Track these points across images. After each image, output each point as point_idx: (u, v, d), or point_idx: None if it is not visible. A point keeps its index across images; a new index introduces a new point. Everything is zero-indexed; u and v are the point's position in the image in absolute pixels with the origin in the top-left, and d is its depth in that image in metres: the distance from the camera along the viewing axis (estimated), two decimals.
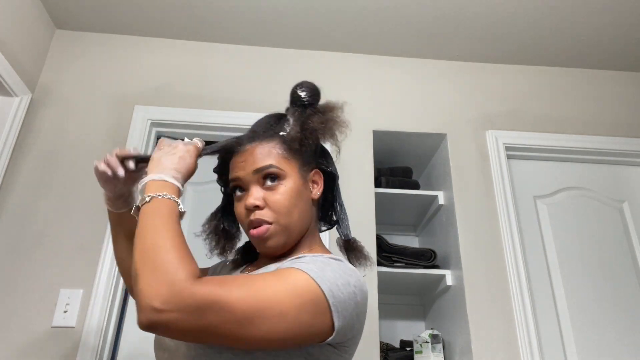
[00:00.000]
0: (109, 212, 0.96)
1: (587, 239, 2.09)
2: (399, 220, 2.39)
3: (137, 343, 1.77)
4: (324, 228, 0.95)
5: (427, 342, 1.88)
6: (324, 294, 0.67)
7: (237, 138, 0.88)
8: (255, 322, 0.63)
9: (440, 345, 1.89)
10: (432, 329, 2.00)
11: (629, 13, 2.06)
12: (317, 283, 0.68)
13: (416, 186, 2.24)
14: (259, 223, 0.80)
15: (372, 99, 2.23)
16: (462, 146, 2.16)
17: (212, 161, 2.39)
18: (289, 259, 0.79)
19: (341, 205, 0.94)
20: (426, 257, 2.04)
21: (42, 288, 1.71)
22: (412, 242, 2.45)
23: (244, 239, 0.95)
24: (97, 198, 1.87)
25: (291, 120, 0.86)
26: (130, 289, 0.98)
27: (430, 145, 2.26)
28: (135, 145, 1.98)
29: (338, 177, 0.94)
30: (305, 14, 2.11)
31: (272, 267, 0.79)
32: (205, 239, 0.94)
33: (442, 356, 1.87)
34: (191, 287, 0.61)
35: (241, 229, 0.91)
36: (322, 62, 2.30)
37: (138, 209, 0.74)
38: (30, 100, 2.00)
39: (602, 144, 2.21)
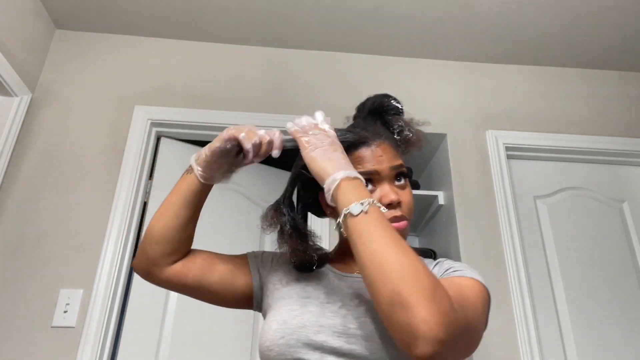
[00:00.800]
0: (191, 182, 0.84)
1: (587, 239, 2.09)
2: None
3: (137, 343, 1.77)
4: None
5: None
6: (489, 297, 0.76)
7: (356, 131, 0.84)
8: (475, 339, 0.70)
9: None
10: None
11: (629, 13, 2.06)
12: (486, 288, 0.76)
13: (416, 186, 2.24)
14: (401, 218, 0.80)
15: None
16: (462, 146, 2.16)
17: None
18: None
19: None
20: (426, 257, 2.04)
21: (42, 288, 1.71)
22: (412, 242, 2.45)
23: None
24: (97, 198, 1.87)
25: (400, 125, 0.89)
26: (151, 260, 0.85)
27: (430, 145, 2.26)
28: (135, 145, 1.98)
29: None
30: (306, 14, 2.11)
31: None
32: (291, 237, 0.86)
33: None
34: (457, 314, 0.60)
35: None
36: (322, 62, 2.30)
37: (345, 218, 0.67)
38: (30, 100, 2.00)
39: (602, 144, 2.21)
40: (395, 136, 0.88)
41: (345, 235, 0.68)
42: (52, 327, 1.66)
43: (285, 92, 2.19)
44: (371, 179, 0.81)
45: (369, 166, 0.81)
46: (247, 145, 0.75)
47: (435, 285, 0.59)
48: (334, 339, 0.73)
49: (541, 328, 1.90)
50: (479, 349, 1.86)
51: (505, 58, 2.35)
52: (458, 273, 0.76)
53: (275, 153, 0.78)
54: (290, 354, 0.74)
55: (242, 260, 0.93)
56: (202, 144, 2.30)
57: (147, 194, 1.99)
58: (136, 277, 1.84)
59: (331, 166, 0.72)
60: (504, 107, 2.27)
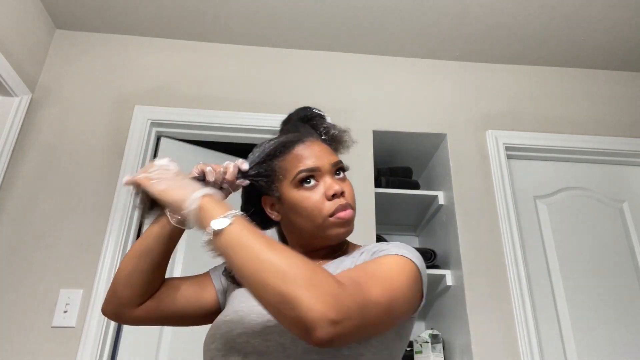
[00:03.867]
0: (163, 226, 0.83)
1: (587, 239, 2.09)
2: (399, 220, 2.39)
3: (136, 343, 1.77)
4: None
5: (427, 342, 1.88)
6: (417, 268, 0.75)
7: (289, 135, 0.90)
8: (393, 309, 0.68)
9: (440, 345, 1.89)
10: (432, 329, 2.00)
11: (629, 13, 2.06)
12: (411, 260, 0.75)
13: (416, 186, 2.24)
14: (346, 206, 0.83)
15: (372, 99, 2.23)
16: (462, 146, 2.16)
17: (212, 160, 2.37)
18: (351, 255, 0.86)
19: None
20: (426, 257, 2.04)
21: (42, 288, 1.71)
22: (412, 242, 2.45)
23: None
24: (97, 198, 1.87)
25: (325, 127, 0.93)
26: (122, 301, 0.85)
27: (430, 145, 2.26)
28: (135, 145, 1.98)
29: None
30: (305, 14, 2.11)
31: (347, 262, 0.84)
32: None
33: (442, 356, 1.87)
34: (345, 291, 0.60)
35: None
36: (323, 62, 2.30)
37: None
38: (30, 100, 2.00)
39: (602, 144, 2.21)
40: (322, 137, 0.91)
41: (216, 253, 0.66)
42: (52, 327, 1.66)
43: (285, 92, 2.19)
44: (313, 175, 0.84)
45: (310, 163, 0.84)
46: (210, 178, 0.82)
47: (312, 271, 0.60)
48: (253, 338, 0.74)
49: (541, 328, 1.90)
50: (479, 349, 1.85)
51: (505, 58, 2.35)
52: (382, 253, 0.76)
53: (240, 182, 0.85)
54: (218, 358, 0.76)
55: (205, 277, 0.94)
56: (202, 144, 2.32)
57: None
58: None
59: (185, 191, 0.71)
60: (504, 107, 2.27)
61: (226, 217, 0.65)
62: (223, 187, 0.86)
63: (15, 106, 1.92)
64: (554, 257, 2.05)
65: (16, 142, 1.91)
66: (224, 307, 0.90)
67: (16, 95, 1.92)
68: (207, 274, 0.96)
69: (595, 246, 2.08)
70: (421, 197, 2.16)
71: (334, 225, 0.83)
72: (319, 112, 0.96)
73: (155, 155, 2.06)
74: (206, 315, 0.91)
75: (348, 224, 0.84)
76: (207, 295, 0.91)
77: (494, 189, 2.06)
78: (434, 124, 2.20)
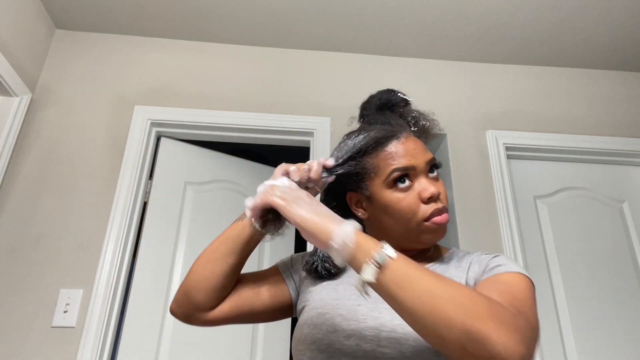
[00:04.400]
0: (243, 229, 0.81)
1: (587, 239, 2.09)
2: None
3: (137, 343, 1.77)
4: None
5: None
6: (534, 286, 0.72)
7: (380, 127, 0.83)
8: (538, 332, 0.64)
9: None
10: None
11: (629, 13, 2.06)
12: (530, 279, 0.72)
13: None
14: (443, 210, 0.78)
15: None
16: (462, 146, 2.16)
17: (212, 160, 2.37)
18: (447, 262, 0.83)
19: None
20: None
21: (42, 288, 1.71)
22: None
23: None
24: (97, 198, 1.87)
25: (414, 116, 0.87)
26: (196, 306, 0.82)
27: (430, 146, 2.26)
28: (135, 145, 1.98)
29: None
30: (305, 14, 2.11)
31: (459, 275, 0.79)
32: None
33: None
34: (525, 323, 0.58)
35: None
36: (322, 62, 2.30)
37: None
38: (30, 100, 2.00)
39: (602, 144, 2.21)
40: (412, 128, 0.86)
41: (376, 292, 0.61)
42: (52, 327, 1.66)
43: (285, 92, 2.19)
44: (407, 174, 0.79)
45: (405, 161, 0.79)
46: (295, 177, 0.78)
47: (491, 303, 0.56)
48: (366, 342, 0.71)
49: (541, 328, 1.90)
50: None
51: (505, 58, 2.35)
52: (502, 269, 0.72)
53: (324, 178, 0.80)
54: (321, 359, 0.73)
55: (276, 275, 0.92)
56: (202, 144, 2.32)
57: (147, 194, 1.99)
58: (136, 277, 1.84)
59: (331, 223, 0.65)
60: (504, 107, 2.27)
61: (384, 247, 0.60)
62: (308, 186, 0.80)
63: (15, 106, 1.92)
64: (554, 257, 2.05)
65: (16, 142, 1.91)
66: (297, 302, 0.89)
67: (16, 95, 1.92)
68: (276, 270, 0.93)
69: (595, 246, 2.08)
70: None
71: (429, 230, 0.78)
72: (404, 96, 0.89)
73: (155, 155, 2.06)
74: (280, 312, 0.90)
75: (444, 229, 0.79)
76: (281, 293, 0.89)
77: (494, 188, 2.06)
78: None
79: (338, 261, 0.64)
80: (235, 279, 0.84)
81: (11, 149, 1.88)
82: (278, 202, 0.72)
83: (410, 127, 0.85)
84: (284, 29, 2.19)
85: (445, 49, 2.30)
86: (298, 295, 0.90)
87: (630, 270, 2.05)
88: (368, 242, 0.62)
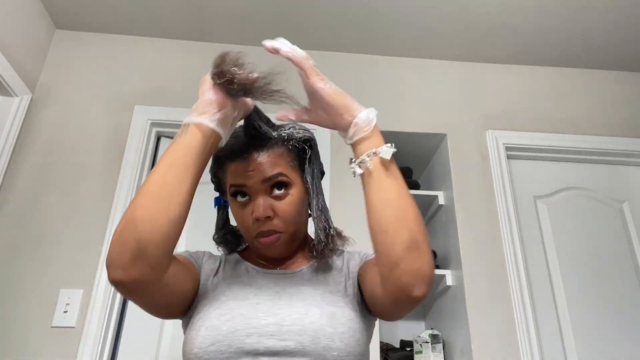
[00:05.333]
0: (199, 134, 0.72)
1: (587, 239, 2.09)
2: None
3: (137, 343, 1.77)
4: None
5: (427, 342, 1.88)
6: None
7: (237, 141, 0.83)
8: None
9: (440, 345, 1.89)
10: (432, 329, 2.00)
11: (629, 13, 2.06)
12: None
13: (416, 186, 2.24)
14: (270, 233, 0.80)
15: (372, 99, 2.22)
16: (462, 146, 2.16)
17: (212, 160, 2.37)
18: (329, 262, 0.88)
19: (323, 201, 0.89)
20: None
21: (42, 288, 1.71)
22: None
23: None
24: (97, 198, 1.87)
25: (291, 126, 0.88)
26: (153, 259, 0.65)
27: (430, 145, 2.26)
28: (135, 145, 1.98)
29: (324, 174, 0.94)
30: (305, 14, 2.11)
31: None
32: (219, 248, 0.95)
33: (442, 356, 1.87)
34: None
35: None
36: (322, 62, 2.28)
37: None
38: (30, 100, 2.00)
39: (602, 144, 2.21)
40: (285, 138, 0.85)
41: (360, 173, 0.70)
42: (52, 327, 1.66)
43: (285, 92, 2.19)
44: (241, 191, 0.81)
45: (236, 179, 0.81)
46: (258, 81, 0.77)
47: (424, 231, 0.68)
48: (267, 339, 0.72)
49: (541, 328, 1.90)
50: (479, 349, 1.85)
51: (505, 58, 2.35)
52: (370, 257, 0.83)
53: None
54: None
55: (189, 262, 0.83)
56: None
57: None
58: None
59: (354, 101, 0.75)
60: (504, 107, 2.27)
61: (390, 145, 0.70)
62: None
63: (15, 106, 1.92)
64: (554, 257, 2.05)
65: (16, 142, 1.91)
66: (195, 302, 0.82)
67: (16, 95, 1.92)
68: (187, 258, 0.84)
69: (595, 246, 2.08)
70: (421, 197, 2.16)
71: (261, 247, 0.82)
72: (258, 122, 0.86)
73: (155, 155, 2.06)
74: (186, 306, 0.81)
75: (273, 248, 0.82)
76: (193, 283, 0.81)
77: (494, 189, 2.06)
78: (434, 124, 2.20)
79: (348, 138, 0.72)
80: (185, 217, 0.70)
81: (11, 149, 1.88)
82: (306, 65, 0.79)
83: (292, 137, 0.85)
84: (284, 29, 2.19)
85: (445, 49, 2.30)
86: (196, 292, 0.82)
87: (630, 270, 2.05)
88: (378, 133, 0.73)
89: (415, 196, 2.37)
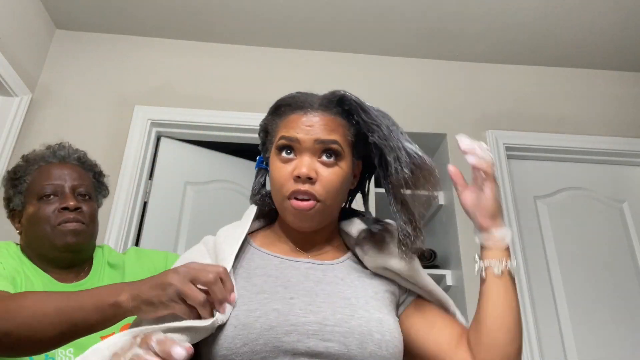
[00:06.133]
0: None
1: (587, 239, 2.09)
2: None
3: None
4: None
5: None
6: None
7: (306, 95, 0.82)
8: None
9: None
10: None
11: (629, 13, 2.06)
12: None
13: None
14: (307, 196, 0.73)
15: (372, 99, 2.21)
16: None
17: (212, 160, 2.36)
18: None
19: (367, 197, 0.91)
20: (426, 257, 2.04)
21: None
22: None
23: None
24: None
25: (365, 106, 0.84)
26: None
27: (430, 145, 2.26)
28: (135, 145, 1.98)
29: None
30: (305, 14, 2.11)
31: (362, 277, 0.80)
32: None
33: None
34: None
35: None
36: (322, 62, 2.30)
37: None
38: (30, 100, 2.00)
39: (602, 144, 2.21)
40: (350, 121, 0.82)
41: (486, 279, 0.79)
42: None
43: (285, 92, 2.18)
44: (292, 146, 0.76)
45: (289, 132, 0.76)
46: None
47: None
48: (308, 338, 0.66)
49: (541, 328, 1.90)
50: None
51: (506, 58, 2.35)
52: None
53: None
54: None
55: None
56: (202, 144, 2.31)
57: (147, 194, 1.99)
58: None
59: (501, 214, 0.84)
60: (504, 107, 2.27)
61: (513, 258, 0.78)
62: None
63: (15, 106, 1.92)
64: (554, 257, 2.05)
65: (16, 142, 1.91)
66: None
67: (16, 95, 1.92)
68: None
69: (595, 246, 2.08)
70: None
71: (289, 211, 0.76)
72: (355, 98, 0.87)
73: (155, 155, 2.06)
74: None
75: (305, 216, 0.75)
76: None
77: None
78: (434, 124, 2.20)
79: (479, 236, 0.84)
80: None
81: (11, 149, 1.88)
82: (493, 170, 0.84)
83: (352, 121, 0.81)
84: (284, 29, 2.19)
85: (445, 49, 2.30)
86: None
87: (630, 270, 2.05)
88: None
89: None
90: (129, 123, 2.02)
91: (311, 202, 0.73)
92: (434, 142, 2.23)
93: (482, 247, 0.80)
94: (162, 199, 2.00)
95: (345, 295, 0.73)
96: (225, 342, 0.65)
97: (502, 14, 2.09)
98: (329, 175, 0.75)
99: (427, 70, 2.33)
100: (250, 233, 0.83)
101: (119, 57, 2.18)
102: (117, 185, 1.89)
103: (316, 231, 0.80)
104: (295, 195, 0.73)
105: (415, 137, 2.43)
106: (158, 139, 2.11)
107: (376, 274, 0.81)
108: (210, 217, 2.07)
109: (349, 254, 0.84)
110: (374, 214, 2.02)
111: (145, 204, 1.97)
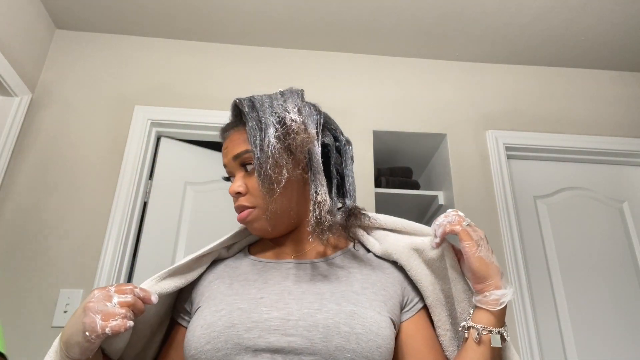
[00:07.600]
0: None
1: (587, 239, 2.09)
2: None
3: None
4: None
5: None
6: None
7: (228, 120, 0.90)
8: None
9: None
10: None
11: (629, 13, 2.06)
12: None
13: (416, 186, 2.24)
14: (241, 209, 0.80)
15: (372, 99, 2.22)
16: (462, 146, 2.16)
17: (212, 160, 2.38)
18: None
19: (345, 175, 0.84)
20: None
21: (42, 288, 1.71)
22: None
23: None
24: (97, 198, 1.87)
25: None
26: None
27: (430, 145, 2.26)
28: (135, 145, 1.98)
29: (344, 145, 0.86)
30: (306, 14, 2.11)
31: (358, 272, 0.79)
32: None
33: None
34: None
35: None
36: (323, 62, 2.30)
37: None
38: (30, 100, 2.00)
39: (602, 144, 2.21)
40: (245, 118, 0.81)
41: (467, 340, 0.72)
42: (52, 327, 1.66)
43: None
44: (228, 172, 0.84)
45: (223, 161, 0.84)
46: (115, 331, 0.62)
47: None
48: (269, 333, 0.66)
49: (541, 328, 1.90)
50: None
51: (505, 58, 2.35)
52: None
53: (155, 298, 0.69)
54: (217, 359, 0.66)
55: (178, 330, 0.81)
56: (202, 144, 2.31)
57: (147, 194, 1.99)
58: (136, 277, 1.84)
59: (495, 273, 0.74)
60: (504, 107, 2.27)
61: (505, 332, 0.72)
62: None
63: (15, 106, 1.92)
64: (554, 257, 2.05)
65: (16, 142, 1.91)
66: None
67: (16, 95, 1.92)
68: (176, 326, 0.82)
69: (595, 246, 2.08)
70: (421, 197, 2.16)
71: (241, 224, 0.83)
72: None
73: (155, 155, 2.06)
74: None
75: (248, 223, 0.80)
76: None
77: (494, 189, 2.06)
78: (434, 124, 2.20)
79: (475, 298, 0.73)
80: None
81: (11, 149, 1.88)
82: (465, 229, 0.75)
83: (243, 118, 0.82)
84: (284, 29, 2.19)
85: (445, 49, 2.30)
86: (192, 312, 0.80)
87: (630, 270, 2.05)
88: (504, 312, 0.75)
89: (415, 196, 2.35)
90: (129, 123, 2.02)
91: (246, 212, 0.79)
92: (434, 142, 2.23)
93: (477, 308, 0.73)
94: (162, 199, 2.00)
95: (320, 291, 0.73)
96: (193, 342, 0.69)
97: (502, 14, 2.09)
98: (255, 183, 0.78)
99: (427, 70, 2.34)
100: (254, 243, 0.90)
101: (119, 57, 2.18)
102: (117, 185, 1.89)
103: (293, 231, 0.83)
104: (237, 211, 0.81)
105: (415, 137, 2.45)
106: (158, 139, 2.11)
107: (380, 269, 0.80)
108: (210, 217, 2.07)
109: (347, 248, 0.84)
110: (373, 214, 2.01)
111: (145, 204, 1.97)
